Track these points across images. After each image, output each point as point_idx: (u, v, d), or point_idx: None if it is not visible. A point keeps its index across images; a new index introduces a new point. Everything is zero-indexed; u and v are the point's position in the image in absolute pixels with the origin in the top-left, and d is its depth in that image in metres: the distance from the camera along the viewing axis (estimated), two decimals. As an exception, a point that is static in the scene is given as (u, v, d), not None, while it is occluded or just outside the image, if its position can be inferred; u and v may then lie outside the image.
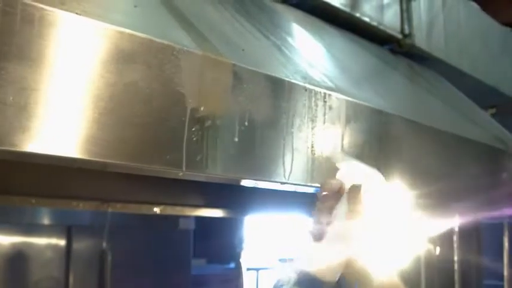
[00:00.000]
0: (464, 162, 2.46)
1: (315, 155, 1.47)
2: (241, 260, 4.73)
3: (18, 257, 2.00)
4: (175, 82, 1.14)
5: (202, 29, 1.35)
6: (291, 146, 1.39)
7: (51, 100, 0.97)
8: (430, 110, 2.44)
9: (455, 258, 3.17)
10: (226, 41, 1.36)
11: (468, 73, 3.34)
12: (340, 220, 0.88)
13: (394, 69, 2.62)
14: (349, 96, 1.71)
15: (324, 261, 0.87)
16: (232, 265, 4.93)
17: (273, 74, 1.32)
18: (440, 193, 2.26)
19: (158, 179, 1.64)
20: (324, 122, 1.53)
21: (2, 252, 2.00)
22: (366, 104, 1.74)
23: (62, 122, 0.98)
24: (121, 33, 1.07)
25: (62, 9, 0.99)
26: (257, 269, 5.66)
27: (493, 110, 3.79)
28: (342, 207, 0.89)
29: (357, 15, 2.58)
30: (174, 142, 1.13)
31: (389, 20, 2.78)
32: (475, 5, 3.59)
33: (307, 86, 1.47)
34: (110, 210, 2.02)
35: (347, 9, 2.52)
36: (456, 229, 3.10)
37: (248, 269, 5.04)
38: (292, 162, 1.37)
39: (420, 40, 2.96)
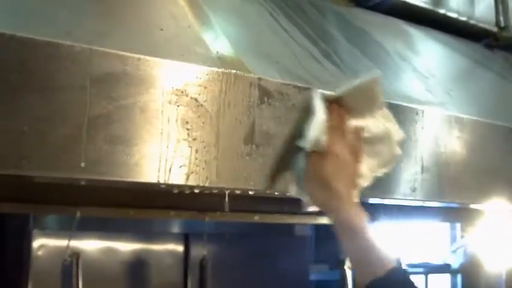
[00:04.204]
0: None
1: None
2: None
3: (138, 263, 2.08)
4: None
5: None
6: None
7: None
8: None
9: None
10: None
11: None
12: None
13: (486, 67, 2.41)
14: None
15: None
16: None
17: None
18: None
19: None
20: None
21: (124, 259, 2.07)
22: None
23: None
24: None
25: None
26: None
27: None
28: None
29: (442, 11, 2.40)
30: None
31: (482, 13, 2.56)
32: None
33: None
34: (207, 219, 2.03)
35: (430, 7, 2.35)
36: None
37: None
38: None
39: (520, 32, 2.70)
